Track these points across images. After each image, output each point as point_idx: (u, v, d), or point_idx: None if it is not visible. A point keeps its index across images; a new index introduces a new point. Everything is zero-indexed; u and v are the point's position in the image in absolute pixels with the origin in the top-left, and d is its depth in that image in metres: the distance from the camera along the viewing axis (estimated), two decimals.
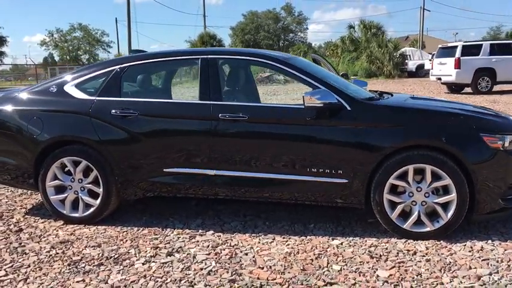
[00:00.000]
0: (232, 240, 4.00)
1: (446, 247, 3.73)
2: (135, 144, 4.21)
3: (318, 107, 3.82)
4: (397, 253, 3.65)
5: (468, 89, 18.57)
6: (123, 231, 4.22)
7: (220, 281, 3.25)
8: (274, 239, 4.01)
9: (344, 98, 3.92)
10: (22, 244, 3.97)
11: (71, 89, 4.42)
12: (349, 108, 3.88)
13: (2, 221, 4.59)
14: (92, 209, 4.35)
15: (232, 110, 4.04)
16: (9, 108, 4.50)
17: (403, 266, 3.43)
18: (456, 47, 17.99)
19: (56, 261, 3.62)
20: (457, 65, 17.52)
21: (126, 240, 4.00)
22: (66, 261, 3.61)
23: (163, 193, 4.30)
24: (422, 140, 3.76)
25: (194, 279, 3.28)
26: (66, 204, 4.40)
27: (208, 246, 3.87)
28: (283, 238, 4.03)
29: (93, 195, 4.37)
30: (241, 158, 4.05)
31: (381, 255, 3.61)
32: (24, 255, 3.74)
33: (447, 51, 18.49)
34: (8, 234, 4.21)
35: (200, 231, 4.21)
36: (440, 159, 3.72)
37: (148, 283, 3.24)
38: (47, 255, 3.72)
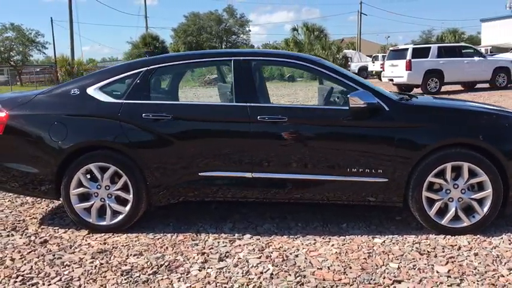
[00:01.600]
0: (273, 242, 3.98)
1: (485, 241, 3.89)
2: (168, 148, 4.09)
3: (361, 108, 3.88)
4: (443, 248, 3.77)
5: (417, 90, 19.34)
6: (158, 238, 4.09)
7: (287, 283, 3.23)
8: (315, 240, 4.03)
9: (382, 98, 4.00)
10: (56, 256, 3.76)
11: (94, 92, 4.23)
12: (387, 108, 3.96)
13: (18, 232, 4.32)
14: (120, 217, 4.19)
15: (271, 112, 4.02)
16: (27, 113, 4.25)
17: (455, 260, 3.54)
18: (407, 49, 18.73)
19: (106, 271, 3.46)
20: (408, 66, 18.23)
21: (167, 247, 3.88)
22: (116, 271, 3.46)
23: (197, 198, 4.21)
24: (462, 138, 3.91)
25: (261, 283, 3.24)
26: (92, 212, 4.20)
27: (254, 249, 3.82)
28: (323, 239, 4.05)
29: (121, 202, 4.21)
30: (281, 159, 4.04)
31: (428, 252, 3.71)
32: (67, 267, 3.55)
33: (398, 54, 19.22)
34: (34, 246, 3.97)
35: (236, 235, 4.15)
36: (477, 157, 3.88)
37: (234, 286, 3.18)
38: (92, 266, 3.55)
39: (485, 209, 3.94)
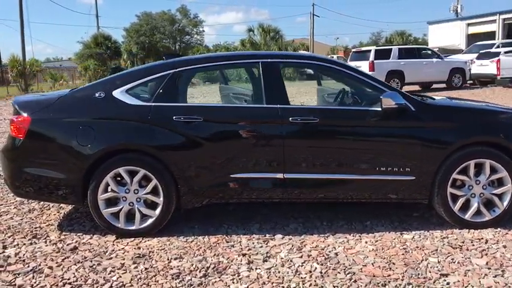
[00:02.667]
0: (306, 241, 4.05)
1: (508, 233, 4.11)
2: (200, 150, 4.09)
3: (392, 109, 4.01)
4: (471, 242, 3.96)
5: None
6: (190, 241, 4.08)
7: (340, 281, 3.31)
8: (346, 237, 4.13)
9: (407, 99, 4.15)
10: (94, 262, 3.69)
11: (121, 95, 4.16)
12: (413, 109, 4.12)
13: (40, 240, 4.20)
14: (150, 221, 4.15)
15: (303, 113, 4.10)
16: (50, 116, 4.13)
17: (488, 253, 3.73)
18: (369, 51, 19.28)
19: (154, 276, 3.43)
20: (372, 67, 18.75)
21: (205, 250, 3.88)
22: (165, 275, 3.44)
23: (228, 199, 4.23)
24: (484, 136, 4.12)
25: (315, 281, 3.31)
26: (121, 217, 4.14)
27: (292, 249, 3.89)
28: (353, 236, 4.16)
29: (150, 205, 4.17)
30: (312, 160, 4.12)
31: (460, 245, 3.89)
32: (112, 273, 3.49)
33: (360, 55, 19.75)
34: (65, 253, 3.88)
35: (267, 235, 4.20)
36: (497, 154, 4.10)
37: (291, 285, 3.24)
38: (138, 271, 3.51)
39: (505, 203, 4.17)
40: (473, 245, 3.89)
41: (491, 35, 40.35)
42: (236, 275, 3.43)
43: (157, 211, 4.13)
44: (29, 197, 4.42)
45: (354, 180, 4.15)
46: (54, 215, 4.90)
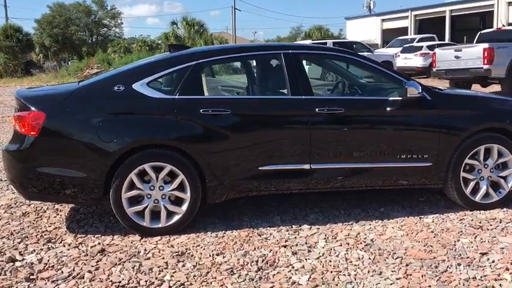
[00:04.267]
0: (335, 230, 4.11)
1: None
2: (228, 144, 4.02)
3: (414, 98, 4.17)
4: (488, 222, 4.22)
5: None
6: (221, 237, 4.00)
7: (394, 266, 3.40)
8: (371, 224, 4.24)
9: (424, 89, 4.33)
10: (134, 263, 3.52)
11: (142, 88, 3.98)
12: (429, 98, 4.30)
13: (57, 244, 3.94)
14: (177, 217, 4.02)
15: (329, 104, 4.15)
16: (67, 111, 3.87)
17: (509, 231, 3.99)
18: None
19: (208, 272, 3.34)
20: (309, 62, 19.11)
21: (242, 244, 3.83)
22: (219, 271, 3.36)
23: (256, 192, 4.20)
24: (494, 123, 4.39)
25: (371, 267, 3.38)
26: (146, 215, 3.97)
27: (328, 238, 3.94)
28: (377, 223, 4.29)
29: (175, 202, 4.04)
30: (337, 150, 4.18)
31: (480, 226, 4.14)
32: (161, 272, 3.36)
33: None
34: (93, 257, 3.66)
35: (294, 226, 4.21)
36: (504, 139, 4.39)
37: (350, 273, 3.28)
38: (188, 269, 3.40)
39: (510, 184, 4.48)
40: (491, 225, 4.14)
41: (404, 30, 42.62)
42: (290, 266, 3.42)
43: (184, 207, 4.00)
44: (41, 198, 4.12)
45: (376, 169, 4.27)
46: (55, 217, 4.60)
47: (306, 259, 3.53)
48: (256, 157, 4.06)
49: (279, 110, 4.13)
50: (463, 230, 4.05)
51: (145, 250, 3.76)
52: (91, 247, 3.84)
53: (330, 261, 3.50)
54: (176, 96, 3.99)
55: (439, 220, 4.29)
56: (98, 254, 3.71)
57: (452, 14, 40.04)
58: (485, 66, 12.39)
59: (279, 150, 4.09)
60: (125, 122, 3.89)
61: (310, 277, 3.24)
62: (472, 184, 4.44)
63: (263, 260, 3.52)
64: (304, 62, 4.33)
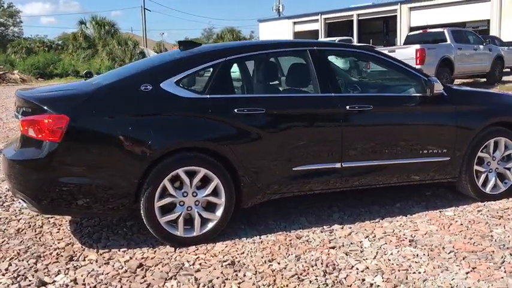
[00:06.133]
0: (368, 228, 4.09)
1: None
2: (263, 144, 3.85)
3: (437, 94, 4.25)
4: (505, 212, 4.40)
5: None
6: (259, 242, 3.81)
7: (453, 259, 3.43)
8: (397, 220, 4.26)
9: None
10: (205, 278, 3.24)
11: (171, 87, 3.69)
12: (446, 94, 4.41)
13: (84, 262, 3.54)
14: (211, 225, 3.78)
15: (359, 101, 4.11)
16: (92, 114, 3.49)
17: None
18: None
19: (274, 280, 3.16)
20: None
21: (287, 249, 3.68)
22: (286, 277, 3.19)
23: (289, 194, 4.06)
24: (503, 117, 4.60)
25: (432, 262, 3.38)
26: (180, 224, 3.69)
27: (368, 236, 3.90)
28: (402, 218, 4.30)
29: (209, 208, 3.81)
30: (367, 147, 4.16)
31: (500, 216, 4.30)
32: (225, 285, 3.12)
33: None
34: (136, 273, 3.33)
35: (325, 227, 4.13)
36: (510, 132, 4.61)
37: (418, 270, 3.24)
38: (252, 278, 3.20)
39: None
40: (509, 214, 4.32)
41: (315, 33, 44.08)
42: (354, 268, 3.33)
43: (219, 213, 3.77)
44: (60, 212, 3.69)
45: (402, 165, 4.30)
46: (57, 232, 4.15)
47: (364, 259, 3.45)
48: (290, 157, 3.92)
49: (312, 108, 4.03)
50: (488, 221, 4.17)
51: (188, 261, 3.48)
52: (125, 262, 3.50)
53: (389, 259, 3.45)
54: (208, 96, 3.74)
55: (459, 213, 4.40)
56: (139, 269, 3.38)
57: (360, 18, 42.00)
58: (418, 66, 13.06)
59: (312, 149, 3.99)
60: (158, 123, 3.59)
61: (383, 277, 3.16)
62: (483, 176, 4.61)
63: (321, 263, 3.39)
64: (330, 58, 4.24)
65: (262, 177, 3.86)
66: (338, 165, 4.07)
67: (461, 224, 4.11)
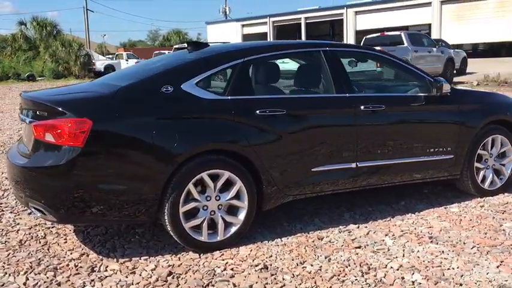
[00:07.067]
0: (382, 227, 4.14)
1: None
2: (284, 145, 3.82)
3: (444, 94, 4.37)
4: (505, 206, 4.57)
5: None
6: (283, 244, 3.77)
7: (477, 254, 3.52)
8: (409, 219, 4.32)
9: None
10: (225, 282, 3.17)
11: (192, 89, 3.59)
12: (449, 94, 4.55)
13: (106, 273, 3.38)
14: (234, 229, 3.71)
15: (372, 101, 4.16)
16: (115, 117, 3.35)
17: None
18: None
19: (316, 281, 3.14)
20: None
21: (313, 250, 3.66)
22: (327, 279, 3.17)
23: (307, 195, 4.04)
24: (501, 115, 4.79)
25: (460, 258, 3.46)
26: (204, 229, 3.60)
27: (387, 235, 3.94)
28: (411, 216, 4.39)
29: (231, 212, 3.74)
30: (380, 147, 4.22)
31: (503, 210, 4.47)
32: (270, 285, 3.07)
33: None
34: (169, 282, 3.21)
35: (340, 226, 4.15)
36: (505, 130, 4.81)
37: (451, 266, 3.30)
38: (292, 281, 3.15)
39: (509, 171, 4.92)
40: (510, 209, 4.50)
41: (264, 36, 44.41)
42: (388, 267, 3.35)
43: (241, 217, 3.70)
44: (78, 220, 3.50)
45: (411, 163, 4.38)
46: (65, 242, 3.94)
47: (394, 258, 3.49)
48: (309, 158, 3.91)
49: (329, 109, 4.04)
50: (494, 215, 4.32)
51: (218, 267, 3.39)
52: (152, 270, 3.37)
53: (418, 257, 3.50)
54: (229, 97, 3.67)
55: (463, 209, 4.54)
56: (170, 277, 3.27)
57: (307, 21, 42.70)
58: (378, 69, 13.37)
59: (329, 150, 3.99)
60: (182, 126, 3.48)
61: (421, 275, 3.20)
62: (482, 173, 4.77)
63: (354, 263, 3.40)
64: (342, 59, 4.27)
65: (283, 179, 3.83)
66: (353, 165, 4.10)
67: (471, 220, 4.23)
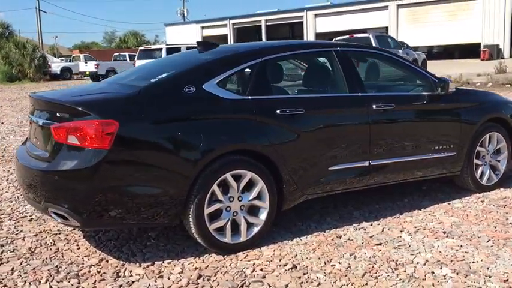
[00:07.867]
0: (394, 223, 4.20)
1: None
2: (303, 145, 3.83)
3: (449, 93, 4.50)
4: (505, 200, 4.74)
5: None
6: (304, 243, 3.78)
7: (494, 248, 3.64)
8: (417, 216, 4.40)
9: None
10: (258, 283, 3.15)
11: (213, 89, 3.56)
12: (452, 93, 4.68)
13: (136, 277, 3.31)
14: (256, 229, 3.69)
15: (383, 100, 4.23)
16: (141, 118, 3.27)
17: None
18: (161, 49, 19.20)
19: (350, 279, 3.16)
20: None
21: (336, 249, 3.68)
22: (359, 277, 3.20)
23: (323, 194, 4.07)
24: (497, 113, 4.96)
25: (479, 251, 3.56)
26: (227, 230, 3.57)
27: (402, 231, 4.00)
28: (419, 213, 4.48)
29: (253, 212, 3.73)
30: (392, 145, 4.30)
31: (504, 204, 4.63)
32: (305, 284, 3.07)
33: (149, 53, 19.49)
34: (201, 285, 3.17)
35: (354, 224, 4.20)
36: (500, 128, 5.00)
37: (475, 260, 3.39)
38: (323, 280, 3.17)
39: (503, 167, 5.10)
40: (509, 202, 4.66)
41: (224, 38, 44.40)
42: (414, 262, 3.41)
43: (263, 217, 3.69)
44: (102, 224, 3.40)
45: (419, 161, 4.48)
46: (78, 249, 3.81)
47: (417, 253, 3.55)
48: (326, 157, 3.94)
49: (344, 108, 4.08)
50: (497, 210, 4.47)
51: (246, 268, 3.37)
52: (179, 274, 3.31)
53: (440, 252, 3.57)
54: (250, 97, 3.66)
55: (466, 204, 4.67)
56: (200, 280, 3.22)
57: (267, 23, 43.01)
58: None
59: (345, 149, 4.04)
60: (206, 126, 3.44)
61: (450, 269, 3.27)
62: (480, 169, 4.93)
63: (381, 260, 3.44)
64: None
65: (302, 178, 3.84)
66: (366, 163, 4.15)
67: (476, 215, 4.36)
